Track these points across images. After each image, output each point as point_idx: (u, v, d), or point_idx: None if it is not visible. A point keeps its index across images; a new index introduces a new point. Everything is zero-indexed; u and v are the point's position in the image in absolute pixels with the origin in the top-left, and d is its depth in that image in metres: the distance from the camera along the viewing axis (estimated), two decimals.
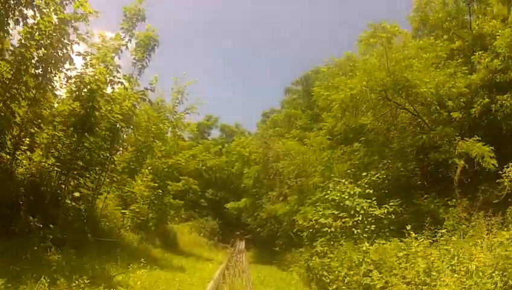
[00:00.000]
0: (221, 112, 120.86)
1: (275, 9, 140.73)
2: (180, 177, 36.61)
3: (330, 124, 19.09)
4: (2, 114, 10.09)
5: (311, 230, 14.76)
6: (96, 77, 12.99)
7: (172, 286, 10.98)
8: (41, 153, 12.54)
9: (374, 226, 12.86)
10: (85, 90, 12.76)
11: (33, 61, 11.02)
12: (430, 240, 10.40)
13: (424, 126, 16.02)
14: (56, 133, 12.65)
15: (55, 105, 13.23)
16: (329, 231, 13.45)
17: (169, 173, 23.07)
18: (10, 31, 10.18)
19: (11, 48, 10.52)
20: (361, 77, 15.25)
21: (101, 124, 13.46)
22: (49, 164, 12.65)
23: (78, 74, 12.81)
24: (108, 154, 14.47)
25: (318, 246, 13.37)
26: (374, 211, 13.25)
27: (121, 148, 17.28)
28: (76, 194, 13.04)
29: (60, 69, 12.09)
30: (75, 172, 13.20)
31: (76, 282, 7.53)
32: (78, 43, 11.87)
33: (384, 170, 15.04)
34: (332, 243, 13.13)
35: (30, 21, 10.64)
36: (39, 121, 11.89)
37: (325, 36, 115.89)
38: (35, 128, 11.97)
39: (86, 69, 13.32)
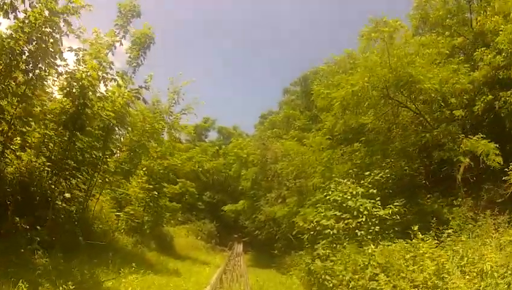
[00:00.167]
0: (220, 112, 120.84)
1: (275, 9, 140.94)
2: (177, 180, 36.25)
3: (330, 123, 18.65)
4: None
5: (312, 232, 14.21)
6: (88, 73, 12.52)
7: None
8: (32, 153, 12.08)
9: (378, 227, 12.35)
10: (76, 86, 12.25)
11: (24, 56, 10.56)
12: (436, 241, 10.08)
13: (426, 125, 15.69)
14: (47, 132, 12.19)
15: (47, 103, 12.78)
16: (331, 232, 12.90)
17: (165, 174, 22.56)
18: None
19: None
20: (363, 73, 14.91)
21: (93, 122, 12.99)
22: (39, 164, 12.17)
23: (69, 69, 12.31)
24: (101, 154, 13.93)
25: (320, 248, 12.81)
26: (378, 211, 12.76)
27: (116, 151, 16.74)
28: (67, 195, 12.47)
29: (51, 64, 11.63)
30: (66, 172, 12.69)
31: (61, 288, 6.95)
32: (68, 35, 11.27)
33: (388, 169, 14.55)
34: (334, 245, 12.60)
35: (21, 15, 10.28)
36: (29, 118, 11.40)
37: (325, 36, 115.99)
38: (26, 127, 11.45)
39: (78, 65, 12.90)
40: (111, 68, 13.80)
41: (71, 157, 12.70)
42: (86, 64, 12.72)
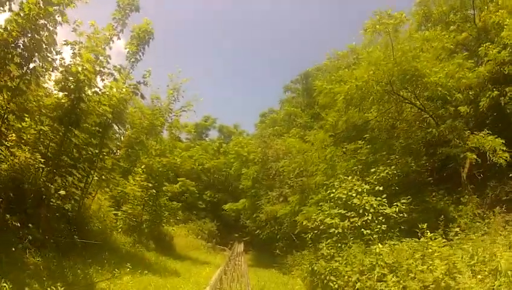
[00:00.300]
0: (220, 112, 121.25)
1: (275, 9, 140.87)
2: (178, 179, 35.93)
3: (333, 119, 18.21)
4: None
5: (315, 231, 13.74)
6: (84, 66, 12.14)
7: None
8: (26, 149, 11.71)
9: (385, 225, 11.89)
10: (72, 80, 11.86)
11: (19, 50, 10.26)
12: (445, 240, 9.67)
13: (430, 121, 15.36)
14: (43, 128, 11.84)
15: (43, 99, 12.42)
16: (336, 232, 12.43)
17: (164, 172, 22.13)
18: None
19: None
20: (368, 68, 14.59)
21: (88, 117, 12.59)
22: (32, 160, 11.77)
23: (65, 63, 11.93)
24: (97, 151, 13.52)
25: (324, 248, 12.32)
26: (385, 209, 12.30)
27: (116, 150, 16.36)
28: (62, 192, 12.04)
29: (46, 57, 11.26)
30: (62, 169, 12.30)
31: (48, 289, 6.51)
32: (62, 24, 10.89)
33: (393, 165, 14.11)
34: (339, 245, 12.13)
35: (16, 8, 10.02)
36: (23, 114, 11.04)
37: (325, 36, 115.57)
38: (22, 124, 11.12)
39: (74, 59, 12.54)
40: (108, 62, 13.57)
41: (67, 153, 12.33)
42: (82, 58, 12.39)
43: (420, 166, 14.84)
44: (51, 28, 10.84)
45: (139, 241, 18.08)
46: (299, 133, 27.70)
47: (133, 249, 16.24)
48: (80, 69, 12.03)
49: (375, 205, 12.33)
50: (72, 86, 11.89)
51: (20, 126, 11.18)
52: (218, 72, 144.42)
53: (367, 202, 12.46)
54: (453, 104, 14.99)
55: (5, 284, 6.05)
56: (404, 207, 12.23)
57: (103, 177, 14.20)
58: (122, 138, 16.64)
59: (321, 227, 13.32)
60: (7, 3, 9.96)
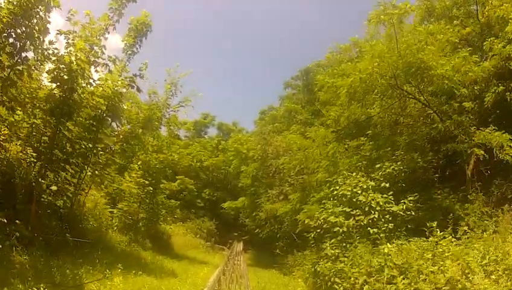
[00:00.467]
0: (220, 112, 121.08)
1: (275, 9, 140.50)
2: (176, 177, 35.45)
3: (335, 114, 17.67)
4: None
5: (318, 230, 13.17)
6: (78, 56, 11.63)
7: None
8: (18, 143, 11.36)
9: (392, 224, 11.34)
10: (64, 69, 11.33)
11: (11, 39, 9.84)
12: (454, 239, 9.35)
13: (434, 117, 15.00)
14: (35, 121, 11.41)
15: (36, 91, 11.94)
16: (340, 231, 11.84)
17: (162, 169, 21.55)
18: None
19: None
20: (372, 60, 14.20)
21: (81, 110, 12.08)
22: (24, 154, 11.41)
23: (57, 51, 11.41)
24: (91, 145, 12.97)
25: (328, 248, 11.70)
26: (391, 207, 11.75)
27: (112, 144, 15.83)
28: (54, 187, 11.50)
29: (38, 46, 10.77)
30: (54, 164, 11.77)
31: None
32: (54, 8, 10.40)
33: (399, 161, 13.61)
34: (344, 244, 11.56)
35: None
36: (13, 104, 10.54)
37: (325, 36, 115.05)
38: (14, 116, 10.72)
39: (68, 48, 12.04)
40: (103, 53, 13.09)
41: (59, 148, 11.82)
42: (75, 47, 11.88)
43: (427, 162, 14.33)
44: (43, 16, 10.38)
45: (135, 240, 17.53)
46: (300, 129, 27.16)
47: (128, 248, 15.69)
48: (73, 58, 11.54)
49: (381, 203, 11.78)
50: (64, 76, 11.37)
51: (12, 120, 10.80)
52: (218, 72, 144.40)
53: (373, 199, 11.90)
54: (457, 100, 14.66)
55: None
56: (411, 205, 11.70)
57: (97, 172, 13.63)
58: (117, 132, 16.16)
59: (324, 226, 12.74)
60: None
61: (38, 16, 10.32)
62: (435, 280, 7.97)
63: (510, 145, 11.87)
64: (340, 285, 10.02)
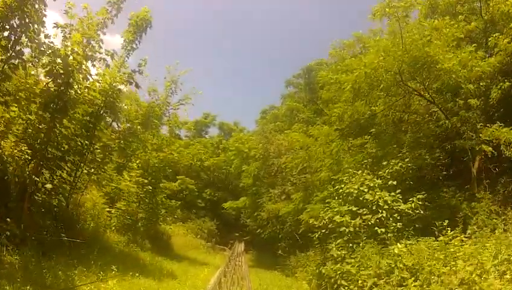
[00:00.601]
0: (220, 112, 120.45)
1: (274, 9, 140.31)
2: (177, 177, 35.06)
3: (339, 111, 17.25)
4: None
5: (323, 230, 12.70)
6: (74, 49, 11.26)
7: None
8: (13, 140, 10.88)
9: (400, 223, 10.89)
10: (60, 63, 10.92)
11: (5, 33, 9.53)
12: (465, 239, 8.99)
13: (440, 114, 14.62)
14: (30, 117, 11.07)
15: (32, 87, 11.54)
16: (347, 230, 11.36)
17: (161, 168, 21.14)
18: None
19: None
20: (377, 54, 13.88)
21: (77, 105, 11.68)
22: (18, 151, 10.90)
23: (52, 44, 11.00)
24: (87, 143, 12.57)
25: (333, 249, 11.22)
26: (399, 205, 11.30)
27: (110, 143, 15.43)
28: (49, 185, 11.09)
29: (33, 38, 10.39)
30: (50, 162, 11.37)
31: None
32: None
33: (406, 159, 13.20)
34: (351, 245, 11.08)
35: None
36: (7, 98, 10.15)
37: (325, 36, 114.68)
38: (9, 113, 10.38)
39: (64, 42, 11.64)
40: (100, 47, 12.68)
41: (55, 145, 11.43)
42: (71, 40, 11.50)
43: (434, 159, 13.91)
44: (38, 8, 10.02)
45: (133, 240, 17.10)
46: (302, 128, 26.75)
47: (126, 248, 15.25)
48: (69, 52, 11.18)
49: (389, 201, 11.33)
50: (60, 70, 10.96)
51: (8, 116, 10.46)
52: (218, 71, 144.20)
53: (380, 198, 11.45)
54: (462, 97, 14.32)
55: None
56: (420, 203, 11.26)
57: (93, 171, 13.22)
58: (116, 131, 15.79)
59: (329, 226, 12.27)
60: None
61: (33, 8, 10.00)
62: (447, 281, 7.56)
63: None
64: (346, 287, 9.57)
